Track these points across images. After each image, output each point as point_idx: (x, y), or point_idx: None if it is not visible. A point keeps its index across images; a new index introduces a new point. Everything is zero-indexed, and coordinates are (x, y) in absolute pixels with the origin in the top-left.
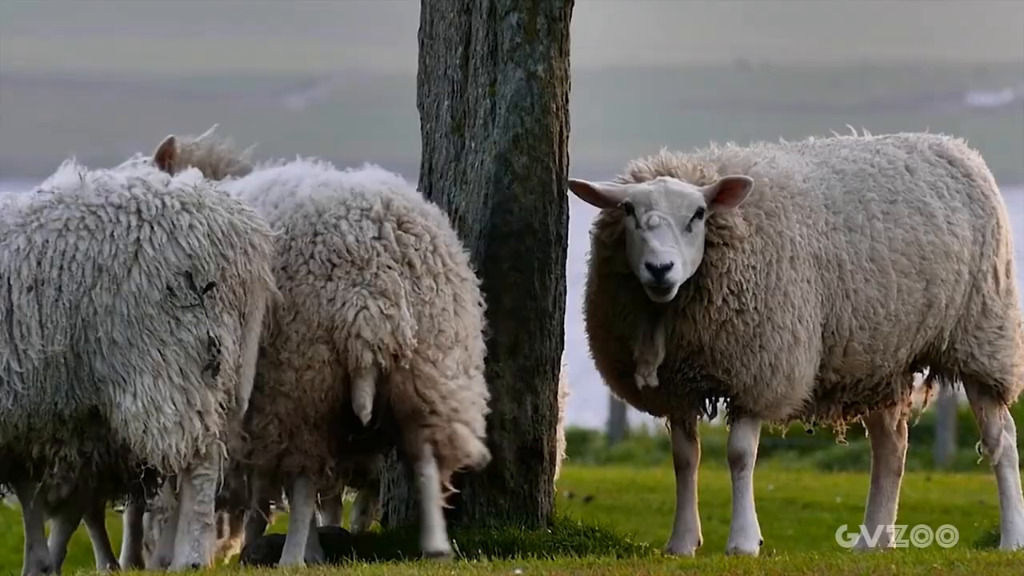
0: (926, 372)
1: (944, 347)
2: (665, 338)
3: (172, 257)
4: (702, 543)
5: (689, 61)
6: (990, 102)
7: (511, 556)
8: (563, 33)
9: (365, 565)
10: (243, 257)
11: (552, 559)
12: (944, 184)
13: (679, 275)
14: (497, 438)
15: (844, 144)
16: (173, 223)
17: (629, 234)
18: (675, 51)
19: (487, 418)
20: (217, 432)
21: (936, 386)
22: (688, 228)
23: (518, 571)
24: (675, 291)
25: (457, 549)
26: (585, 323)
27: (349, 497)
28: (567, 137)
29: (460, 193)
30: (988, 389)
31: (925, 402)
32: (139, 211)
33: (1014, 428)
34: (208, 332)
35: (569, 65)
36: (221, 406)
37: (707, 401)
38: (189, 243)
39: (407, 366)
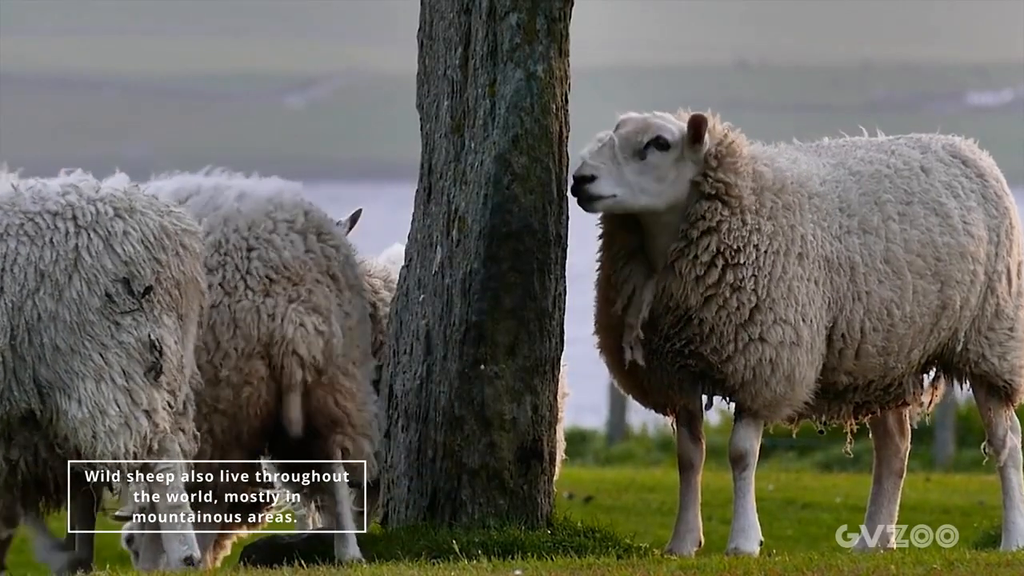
0: (933, 372)
1: (959, 348)
2: (654, 296)
3: (109, 264)
4: (703, 544)
5: (689, 61)
6: (990, 102)
7: (511, 557)
8: (563, 33)
9: (365, 566)
10: (176, 259)
11: (552, 560)
12: (959, 184)
13: (604, 190)
14: (497, 438)
15: (859, 145)
16: (108, 230)
17: None
18: (675, 51)
19: (487, 418)
20: (168, 428)
21: (942, 387)
22: (641, 155)
23: (518, 572)
24: (601, 205)
25: (457, 549)
26: (595, 304)
27: None
28: (567, 137)
29: (460, 193)
30: (997, 390)
31: (931, 403)
32: (75, 218)
33: (1020, 429)
34: (149, 334)
35: (569, 65)
36: (169, 405)
37: (703, 390)
38: (124, 249)
39: (327, 381)
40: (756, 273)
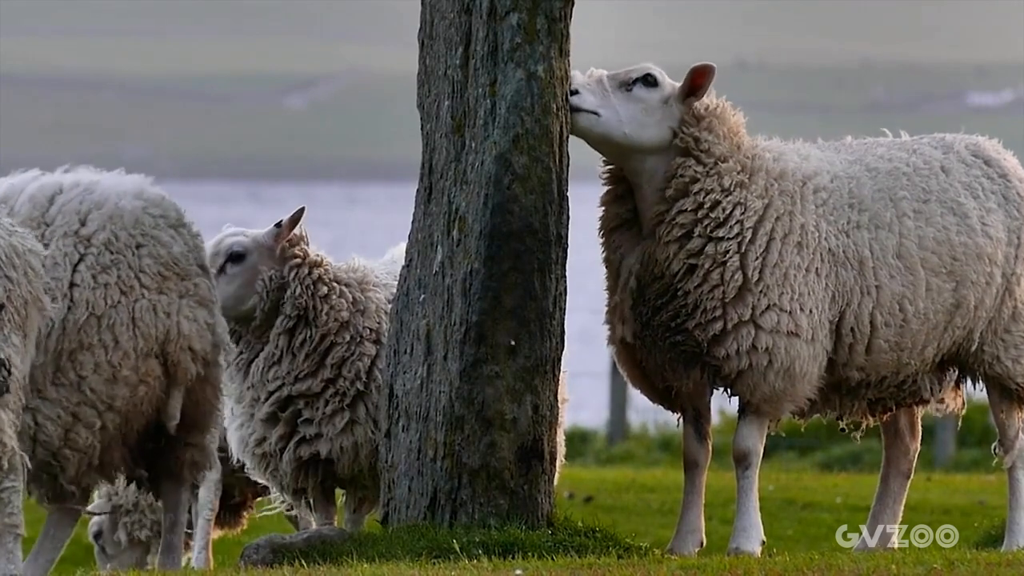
0: (956, 373)
1: (973, 348)
2: (640, 263)
3: None
4: (705, 544)
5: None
6: (990, 102)
7: (511, 556)
8: (563, 33)
9: (365, 565)
10: (24, 279)
11: (552, 560)
12: (980, 184)
13: (587, 104)
14: (497, 438)
15: (881, 143)
16: None
17: None
18: (675, 51)
19: (487, 418)
20: (15, 446)
21: (964, 387)
22: (628, 88)
23: (518, 571)
24: (583, 119)
25: (458, 549)
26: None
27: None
28: (567, 137)
29: (460, 193)
30: (1010, 392)
31: (963, 404)
32: None
33: None
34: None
35: (569, 65)
36: (13, 424)
37: (702, 377)
38: None
39: (207, 374)
40: (742, 250)
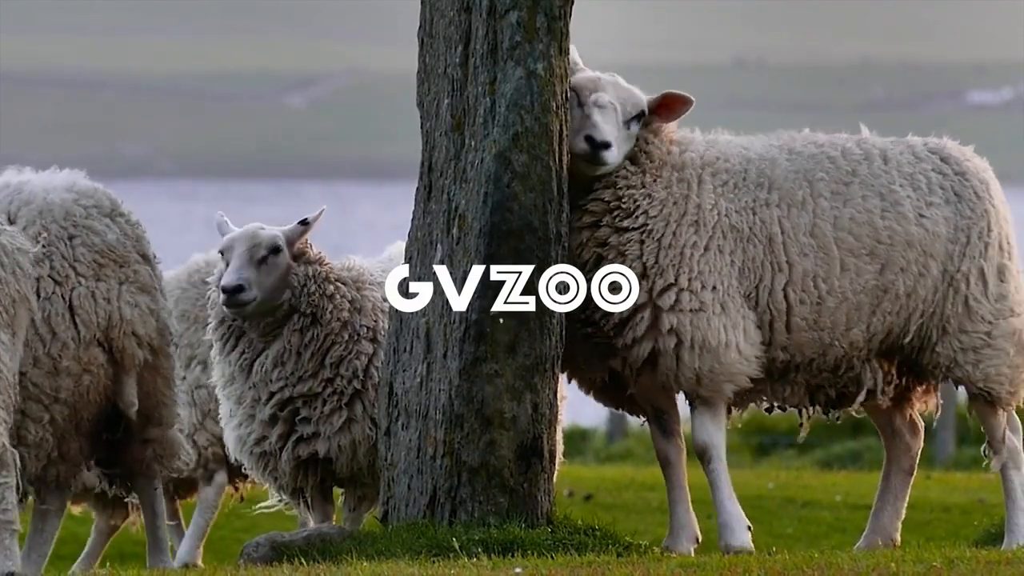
0: (908, 375)
1: (909, 340)
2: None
3: None
4: (700, 540)
5: (687, 60)
6: (990, 101)
7: (511, 555)
8: (563, 32)
9: (365, 563)
10: (12, 277)
11: (552, 558)
12: (926, 177)
13: (615, 158)
14: (496, 436)
15: (832, 136)
16: None
17: (571, 120)
18: (673, 50)
19: (487, 416)
20: (5, 442)
21: (937, 389)
22: (628, 125)
23: (518, 570)
24: (603, 171)
25: (457, 547)
26: None
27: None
28: (567, 136)
29: (460, 191)
30: (976, 396)
31: (937, 407)
32: None
33: (1020, 429)
34: None
35: (569, 63)
36: (4, 421)
37: (621, 368)
38: None
39: (155, 363)
40: (643, 239)
